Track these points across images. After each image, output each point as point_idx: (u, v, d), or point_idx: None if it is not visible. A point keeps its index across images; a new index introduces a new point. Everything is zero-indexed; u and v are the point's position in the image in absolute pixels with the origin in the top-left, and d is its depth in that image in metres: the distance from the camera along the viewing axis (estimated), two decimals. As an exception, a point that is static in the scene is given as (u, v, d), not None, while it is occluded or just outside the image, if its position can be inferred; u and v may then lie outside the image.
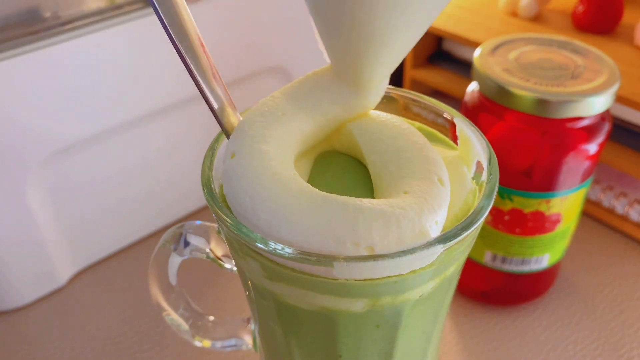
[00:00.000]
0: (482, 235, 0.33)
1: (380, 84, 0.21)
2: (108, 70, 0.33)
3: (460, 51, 0.50)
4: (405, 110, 0.24)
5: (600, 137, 0.30)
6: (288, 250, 0.17)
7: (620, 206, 0.41)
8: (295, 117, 0.20)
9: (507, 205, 0.31)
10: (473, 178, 0.21)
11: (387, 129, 0.21)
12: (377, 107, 0.22)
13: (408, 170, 0.19)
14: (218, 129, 0.21)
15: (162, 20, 0.18)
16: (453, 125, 0.23)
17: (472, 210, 0.19)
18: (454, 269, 0.20)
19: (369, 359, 0.21)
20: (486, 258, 0.34)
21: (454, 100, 0.48)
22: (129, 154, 0.37)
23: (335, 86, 0.21)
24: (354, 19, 0.18)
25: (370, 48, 0.19)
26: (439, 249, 0.17)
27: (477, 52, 0.32)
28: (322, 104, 0.21)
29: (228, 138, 0.21)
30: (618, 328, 0.35)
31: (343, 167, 0.21)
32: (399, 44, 0.19)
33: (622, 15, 0.44)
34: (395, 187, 0.19)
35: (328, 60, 0.21)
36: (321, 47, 0.21)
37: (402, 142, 0.20)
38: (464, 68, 0.49)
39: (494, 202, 0.19)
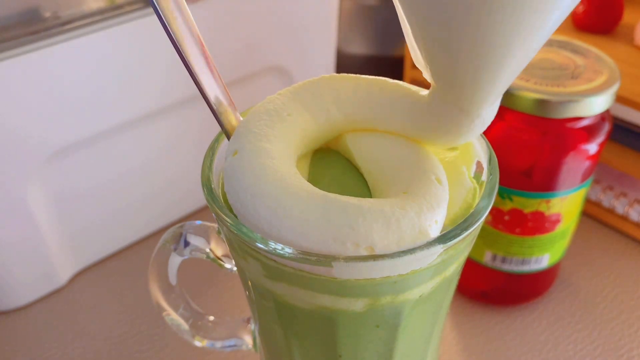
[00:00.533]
0: (482, 235, 0.33)
1: (490, 111, 0.19)
2: (108, 71, 0.33)
3: (460, 51, 0.50)
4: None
5: (600, 137, 0.30)
6: (288, 250, 0.17)
7: (620, 206, 0.41)
8: (300, 119, 0.20)
9: (507, 205, 0.31)
10: (474, 177, 0.21)
11: (379, 135, 0.21)
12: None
13: (405, 172, 0.19)
14: (218, 129, 0.21)
15: (162, 20, 0.18)
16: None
17: (472, 210, 0.19)
18: (454, 269, 0.20)
19: (368, 359, 0.21)
20: (486, 258, 0.34)
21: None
22: (129, 154, 0.37)
23: (439, 109, 0.19)
24: (473, 37, 0.16)
25: (487, 69, 0.17)
26: (439, 249, 0.17)
27: (477, 52, 0.32)
28: (394, 123, 0.20)
29: (228, 138, 0.21)
30: (618, 328, 0.35)
31: (343, 166, 0.21)
32: (516, 64, 0.17)
33: (622, 15, 0.44)
34: (394, 188, 0.19)
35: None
36: (419, 64, 0.19)
37: (396, 145, 0.20)
38: (464, 68, 0.49)
39: (494, 202, 0.19)
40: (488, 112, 0.19)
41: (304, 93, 0.21)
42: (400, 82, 0.21)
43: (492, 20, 0.15)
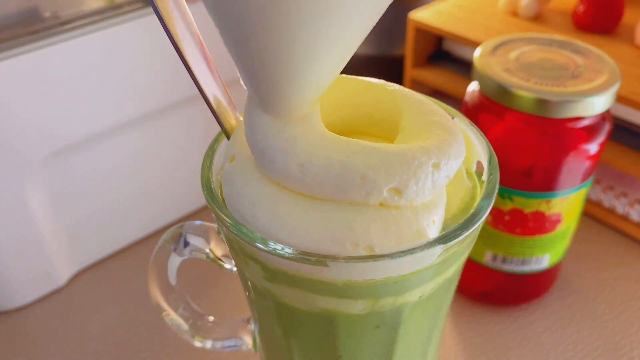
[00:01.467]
0: (482, 235, 0.33)
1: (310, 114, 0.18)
2: (107, 70, 0.33)
3: (460, 51, 0.50)
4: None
5: (601, 137, 0.30)
6: (288, 250, 0.17)
7: (620, 206, 0.41)
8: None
9: (507, 205, 0.31)
10: (476, 174, 0.21)
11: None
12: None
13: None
14: (218, 129, 0.21)
15: (162, 20, 0.18)
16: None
17: (472, 211, 0.19)
18: (454, 270, 0.20)
19: None
20: (486, 258, 0.34)
21: (454, 100, 0.48)
22: (129, 153, 0.37)
23: (248, 113, 0.19)
24: (268, 36, 0.15)
25: (292, 73, 0.16)
26: (439, 249, 0.17)
27: (477, 52, 0.32)
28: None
29: (228, 138, 0.21)
30: (618, 328, 0.35)
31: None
32: (328, 63, 0.16)
33: (622, 15, 0.44)
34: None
35: None
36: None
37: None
38: (464, 68, 0.49)
39: (494, 202, 0.19)
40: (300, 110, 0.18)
41: None
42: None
43: (264, 29, 0.15)
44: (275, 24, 0.15)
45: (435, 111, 0.20)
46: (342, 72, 0.18)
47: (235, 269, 0.24)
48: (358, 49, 0.17)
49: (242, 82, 0.18)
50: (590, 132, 0.29)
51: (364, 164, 0.17)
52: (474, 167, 0.21)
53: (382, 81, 0.21)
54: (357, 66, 0.53)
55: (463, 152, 0.19)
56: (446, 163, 0.18)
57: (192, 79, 0.20)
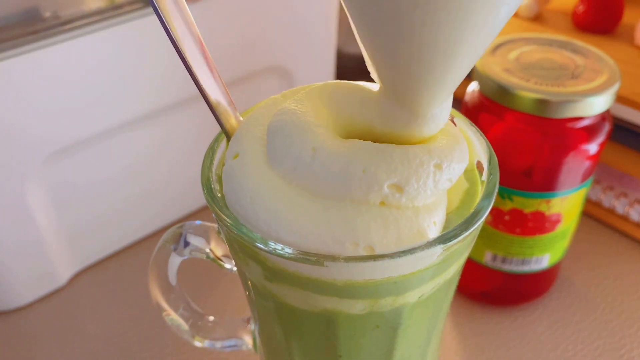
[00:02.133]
0: (482, 235, 0.33)
1: (442, 110, 0.18)
2: (108, 70, 0.33)
3: (460, 51, 0.50)
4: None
5: (601, 137, 0.30)
6: (288, 250, 0.17)
7: (620, 206, 0.41)
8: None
9: (507, 205, 0.31)
10: (474, 177, 0.21)
11: None
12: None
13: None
14: (218, 129, 0.21)
15: (162, 20, 0.18)
16: (453, 125, 0.23)
17: (472, 211, 0.19)
18: (454, 270, 0.20)
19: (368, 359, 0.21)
20: (486, 258, 0.34)
21: (454, 100, 0.48)
22: (129, 153, 0.37)
23: (388, 110, 0.18)
24: (414, 39, 0.15)
25: (432, 71, 0.16)
26: (439, 249, 0.17)
27: (477, 52, 0.31)
28: (361, 122, 0.19)
29: (228, 138, 0.21)
30: (618, 328, 0.35)
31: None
32: (464, 63, 0.16)
33: (622, 15, 0.44)
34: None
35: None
36: (369, 66, 0.18)
37: None
38: (464, 68, 0.49)
39: (494, 202, 0.19)
40: (440, 111, 0.18)
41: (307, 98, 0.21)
42: (355, 82, 0.20)
43: (436, 20, 0.15)
44: (431, 24, 0.15)
45: None
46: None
47: (235, 269, 0.24)
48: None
49: (372, 75, 0.18)
50: (590, 132, 0.29)
51: (367, 159, 0.17)
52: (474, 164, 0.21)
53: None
54: (358, 66, 0.53)
55: (466, 158, 0.19)
56: (448, 165, 0.18)
57: (192, 79, 0.20)
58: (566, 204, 0.31)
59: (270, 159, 0.19)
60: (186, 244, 0.24)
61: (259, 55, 0.40)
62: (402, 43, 0.16)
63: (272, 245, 0.17)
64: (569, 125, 0.29)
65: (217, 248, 0.25)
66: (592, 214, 0.42)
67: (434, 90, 0.17)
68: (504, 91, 0.29)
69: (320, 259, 0.17)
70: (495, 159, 0.21)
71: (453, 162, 0.18)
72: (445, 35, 0.15)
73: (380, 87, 0.19)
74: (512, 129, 0.30)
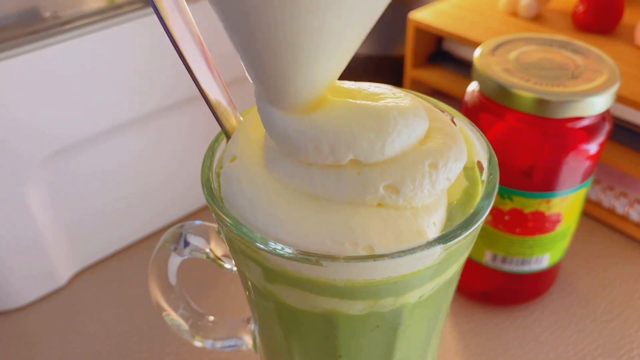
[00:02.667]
0: (482, 235, 0.33)
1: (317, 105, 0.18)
2: (108, 70, 0.33)
3: (460, 51, 0.50)
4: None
5: (601, 137, 0.30)
6: (288, 250, 0.17)
7: (620, 206, 0.41)
8: None
9: (507, 205, 0.31)
10: (474, 176, 0.21)
11: None
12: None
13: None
14: (218, 128, 0.21)
15: (162, 20, 0.18)
16: (453, 125, 0.23)
17: (472, 211, 0.19)
18: (454, 270, 0.20)
19: None
20: (486, 258, 0.34)
21: (454, 100, 0.48)
22: (129, 153, 0.37)
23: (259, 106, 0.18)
24: (275, 30, 0.15)
25: (299, 66, 0.16)
26: (439, 249, 0.17)
27: (477, 52, 0.32)
28: None
29: (228, 138, 0.21)
30: (618, 328, 0.35)
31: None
32: (336, 54, 0.16)
33: (622, 15, 0.44)
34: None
35: None
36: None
37: None
38: (464, 68, 0.49)
39: (494, 202, 0.19)
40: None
41: None
42: None
43: (274, 21, 0.15)
44: (282, 17, 0.15)
45: (436, 117, 0.20)
46: (343, 74, 0.18)
47: (235, 269, 0.24)
48: (358, 49, 0.17)
49: (248, 77, 0.18)
50: (590, 132, 0.29)
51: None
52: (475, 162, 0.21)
53: (384, 87, 0.21)
54: (358, 66, 0.53)
55: (464, 156, 0.19)
56: (444, 164, 0.18)
57: (192, 79, 0.20)
58: (566, 204, 0.31)
59: (267, 162, 0.19)
60: (186, 244, 0.24)
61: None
62: (251, 43, 0.16)
63: (272, 245, 0.17)
64: (569, 125, 0.29)
65: (217, 248, 0.25)
66: (592, 214, 0.42)
67: (304, 86, 0.17)
68: (504, 91, 0.29)
69: (319, 258, 0.17)
70: (495, 158, 0.21)
71: (449, 161, 0.18)
72: (285, 37, 0.15)
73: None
74: (512, 129, 0.30)
